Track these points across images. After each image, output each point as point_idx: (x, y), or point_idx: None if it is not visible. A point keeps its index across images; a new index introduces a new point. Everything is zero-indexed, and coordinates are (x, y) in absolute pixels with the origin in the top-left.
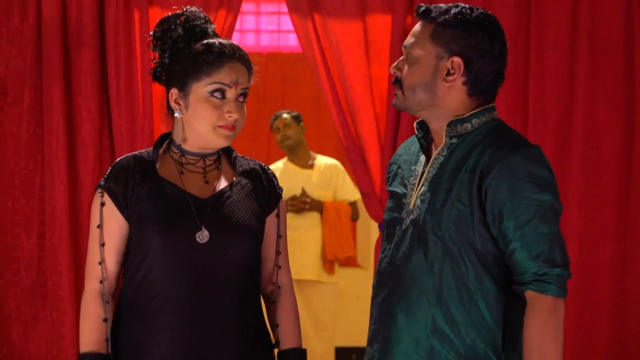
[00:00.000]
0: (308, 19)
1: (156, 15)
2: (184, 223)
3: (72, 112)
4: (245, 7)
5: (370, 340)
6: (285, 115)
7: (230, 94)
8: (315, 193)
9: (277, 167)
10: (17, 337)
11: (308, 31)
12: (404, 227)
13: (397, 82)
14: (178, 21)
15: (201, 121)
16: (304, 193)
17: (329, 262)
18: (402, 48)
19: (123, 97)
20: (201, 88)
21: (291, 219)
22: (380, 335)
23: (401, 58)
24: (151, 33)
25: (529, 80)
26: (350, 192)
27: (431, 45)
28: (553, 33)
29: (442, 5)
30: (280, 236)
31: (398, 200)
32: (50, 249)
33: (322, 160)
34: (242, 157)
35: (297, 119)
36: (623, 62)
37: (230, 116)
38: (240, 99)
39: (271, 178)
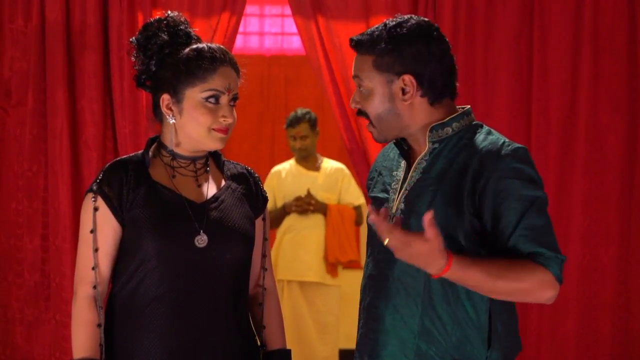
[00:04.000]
0: (312, 21)
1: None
2: (182, 228)
3: (76, 114)
4: (249, 9)
5: (358, 345)
6: (303, 125)
7: (224, 99)
8: (320, 195)
9: (284, 167)
10: (21, 339)
11: (312, 33)
12: None
13: (363, 114)
14: (161, 27)
15: (196, 126)
16: (309, 194)
17: (331, 265)
18: (353, 79)
19: (127, 100)
20: (196, 94)
21: (295, 220)
22: (367, 338)
23: (356, 91)
24: (132, 40)
25: (532, 81)
26: (355, 196)
27: (377, 74)
28: (556, 35)
29: (372, 31)
30: (266, 239)
31: (380, 205)
32: (54, 251)
33: (329, 164)
34: (228, 161)
35: (314, 126)
36: (626, 63)
37: (224, 120)
38: (232, 103)
39: (258, 182)
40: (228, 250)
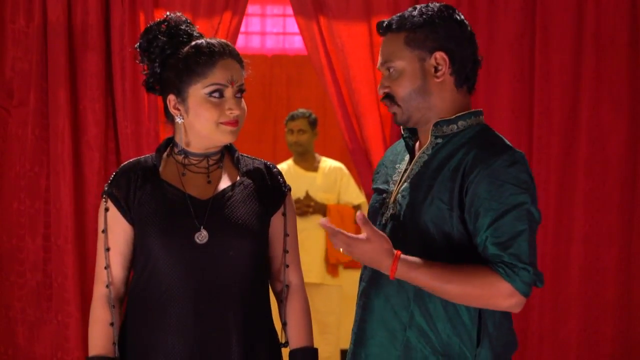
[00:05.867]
0: (313, 21)
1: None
2: (182, 224)
3: (78, 114)
4: (250, 9)
5: (352, 333)
6: (302, 120)
7: (228, 92)
8: (319, 196)
9: (282, 168)
10: (23, 339)
11: (313, 33)
12: (383, 222)
13: (388, 98)
14: (161, 28)
15: (203, 122)
16: (307, 196)
17: (332, 265)
18: (379, 67)
19: (128, 100)
20: (198, 90)
21: None
22: (356, 327)
23: (383, 77)
24: (137, 45)
25: (534, 82)
26: (354, 195)
27: (409, 51)
28: (558, 35)
29: (400, 14)
30: (288, 234)
31: (380, 196)
32: (56, 251)
33: (327, 163)
34: (247, 156)
35: (313, 124)
36: (628, 64)
37: (231, 112)
38: (238, 95)
39: (276, 176)
40: (230, 247)
